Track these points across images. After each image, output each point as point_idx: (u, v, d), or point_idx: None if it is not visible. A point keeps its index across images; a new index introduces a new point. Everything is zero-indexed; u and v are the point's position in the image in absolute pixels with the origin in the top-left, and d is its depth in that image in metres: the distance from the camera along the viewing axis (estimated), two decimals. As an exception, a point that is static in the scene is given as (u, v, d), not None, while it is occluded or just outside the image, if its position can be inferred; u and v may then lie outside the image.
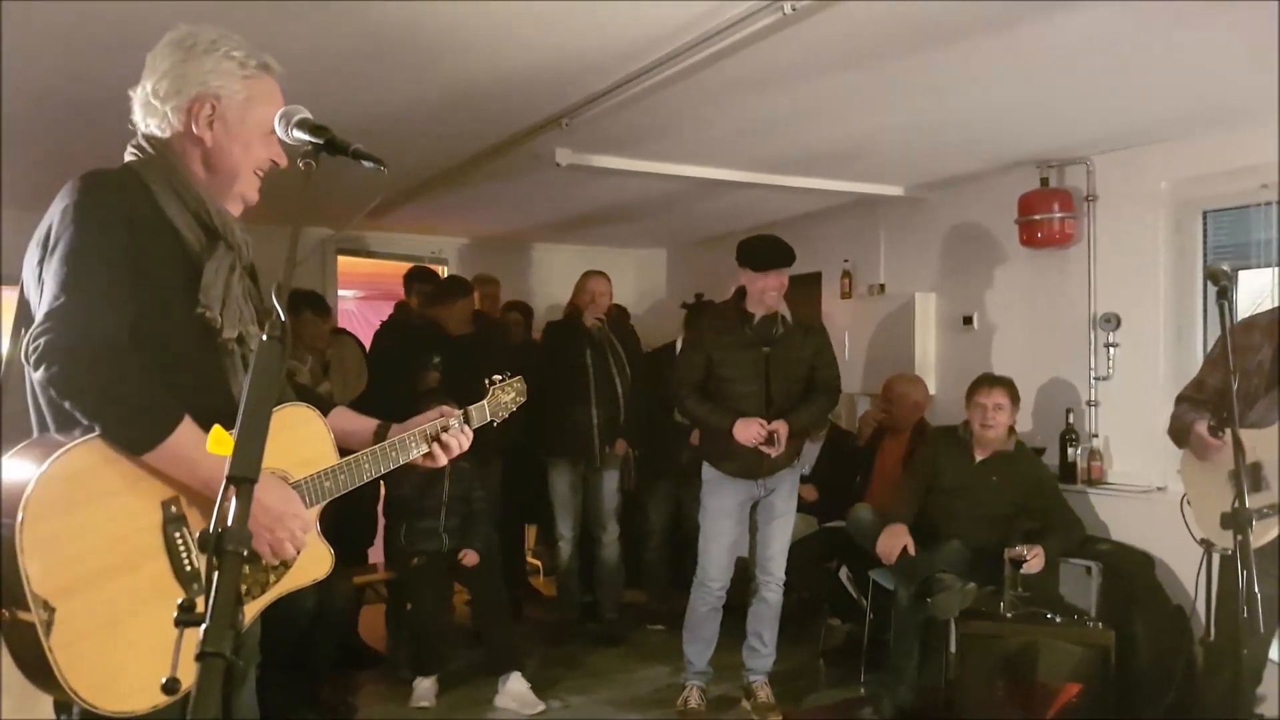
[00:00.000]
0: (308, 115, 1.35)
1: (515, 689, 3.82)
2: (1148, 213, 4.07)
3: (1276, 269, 3.77)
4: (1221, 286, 2.44)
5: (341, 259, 6.29)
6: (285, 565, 1.58)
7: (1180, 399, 3.05)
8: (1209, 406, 2.92)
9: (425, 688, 3.86)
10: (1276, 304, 3.68)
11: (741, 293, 3.75)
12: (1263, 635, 2.75)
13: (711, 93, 3.29)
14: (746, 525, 3.87)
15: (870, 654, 4.15)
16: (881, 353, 5.20)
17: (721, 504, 3.73)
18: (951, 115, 3.67)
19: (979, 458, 3.94)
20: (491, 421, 1.98)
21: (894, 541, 3.78)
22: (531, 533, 5.86)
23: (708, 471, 3.77)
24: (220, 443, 1.13)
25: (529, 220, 5.90)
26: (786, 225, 5.35)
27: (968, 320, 4.84)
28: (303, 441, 1.64)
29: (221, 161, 1.60)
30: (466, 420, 1.88)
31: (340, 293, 6.54)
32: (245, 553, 0.98)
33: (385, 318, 5.42)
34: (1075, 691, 3.44)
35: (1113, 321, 4.12)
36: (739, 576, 3.92)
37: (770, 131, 3.83)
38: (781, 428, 3.55)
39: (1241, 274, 4.02)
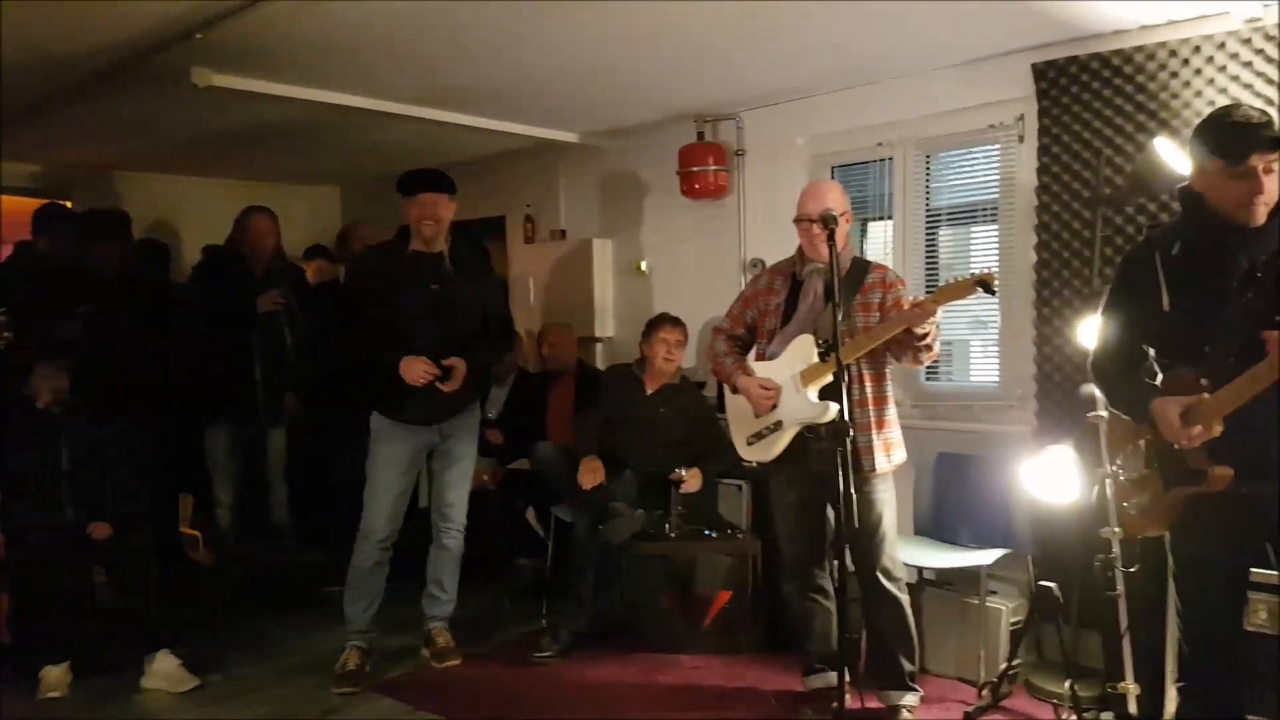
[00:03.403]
0: None
1: (163, 667, 3.52)
2: (787, 166, 4.48)
3: (891, 221, 4.33)
4: (830, 230, 2.81)
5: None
6: None
7: (717, 330, 3.41)
8: (742, 343, 3.34)
9: (55, 676, 3.45)
10: (891, 252, 4.28)
11: (406, 231, 3.63)
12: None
13: (365, 16, 3.13)
14: (418, 474, 3.79)
15: (554, 587, 4.32)
16: (562, 296, 5.35)
17: (392, 453, 3.61)
18: (615, 64, 3.78)
19: (649, 390, 4.22)
20: None
21: (591, 474, 3.98)
22: (189, 502, 5.35)
23: (377, 420, 3.63)
24: None
25: (170, 149, 5.21)
26: (469, 167, 5.29)
27: (639, 265, 5.12)
28: None
29: None
30: None
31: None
32: None
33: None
34: (728, 597, 3.83)
35: (758, 265, 4.54)
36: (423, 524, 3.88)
37: (433, 63, 3.70)
38: (458, 364, 3.47)
39: (872, 225, 4.58)
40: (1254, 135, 2.10)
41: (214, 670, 3.69)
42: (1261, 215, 2.15)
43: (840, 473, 2.59)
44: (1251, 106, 2.22)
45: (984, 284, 2.71)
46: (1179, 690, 2.48)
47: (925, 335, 2.84)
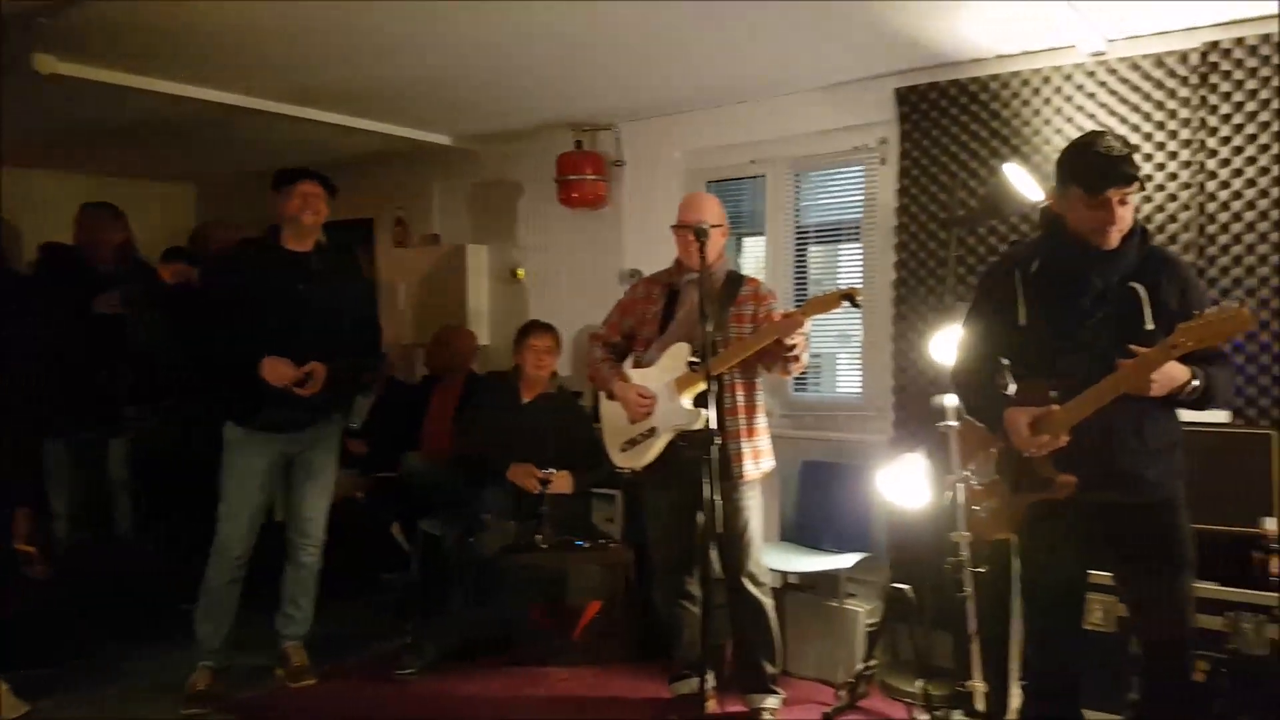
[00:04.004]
0: None
1: (-12, 694, 3.23)
2: (665, 179, 4.53)
3: (765, 237, 4.43)
4: (700, 242, 2.86)
5: None
6: None
7: (594, 337, 3.44)
8: (618, 350, 3.37)
9: None
10: (764, 267, 4.38)
11: (275, 230, 3.46)
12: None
13: (228, 9, 2.98)
14: (277, 486, 3.58)
15: (420, 602, 4.19)
16: (435, 302, 5.23)
17: (247, 464, 3.40)
18: (491, 68, 3.74)
19: (526, 399, 4.16)
20: None
21: (528, 478, 3.94)
22: (25, 516, 4.93)
23: (230, 430, 3.41)
24: None
25: (12, 141, 4.84)
26: (337, 168, 5.05)
27: (515, 272, 5.06)
28: None
29: None
30: None
31: None
32: None
33: None
34: (598, 608, 3.80)
35: (635, 276, 4.55)
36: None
37: (300, 59, 3.58)
38: (316, 369, 3.29)
39: (746, 240, 4.66)
40: (1112, 170, 2.22)
41: (47, 694, 3.42)
42: (1115, 240, 2.28)
43: (708, 478, 2.62)
44: (1115, 137, 2.30)
45: (849, 298, 2.81)
46: (1022, 688, 2.61)
47: (794, 346, 2.91)
